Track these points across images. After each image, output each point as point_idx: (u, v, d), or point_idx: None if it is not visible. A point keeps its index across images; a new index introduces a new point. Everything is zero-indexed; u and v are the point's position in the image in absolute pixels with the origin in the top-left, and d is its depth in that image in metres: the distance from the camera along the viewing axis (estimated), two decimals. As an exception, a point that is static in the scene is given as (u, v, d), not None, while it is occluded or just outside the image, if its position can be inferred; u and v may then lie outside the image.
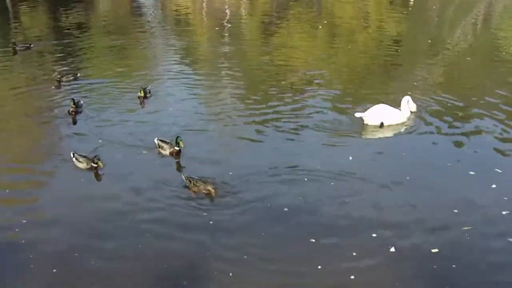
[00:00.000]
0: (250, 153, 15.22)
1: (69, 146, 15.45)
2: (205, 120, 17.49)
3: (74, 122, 17.26)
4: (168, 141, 14.89)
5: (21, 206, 12.61)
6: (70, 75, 21.23)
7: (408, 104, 17.14)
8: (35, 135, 16.86)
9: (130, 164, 14.47)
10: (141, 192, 13.04)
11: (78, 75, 21.40)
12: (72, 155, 14.30)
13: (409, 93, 18.08)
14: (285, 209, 12.34)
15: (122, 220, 12.04)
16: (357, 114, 16.83)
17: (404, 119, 17.11)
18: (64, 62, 23.99)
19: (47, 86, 20.57)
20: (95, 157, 13.93)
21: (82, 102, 18.32)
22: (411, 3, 42.60)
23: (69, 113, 17.56)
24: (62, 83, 20.57)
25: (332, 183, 13.40)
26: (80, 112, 17.73)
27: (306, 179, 13.56)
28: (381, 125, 16.73)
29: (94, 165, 13.91)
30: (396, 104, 17.24)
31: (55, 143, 16.22)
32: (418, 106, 17.71)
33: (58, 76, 20.87)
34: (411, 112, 17.28)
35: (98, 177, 13.91)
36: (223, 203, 12.56)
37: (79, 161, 14.11)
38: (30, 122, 17.62)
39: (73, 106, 17.56)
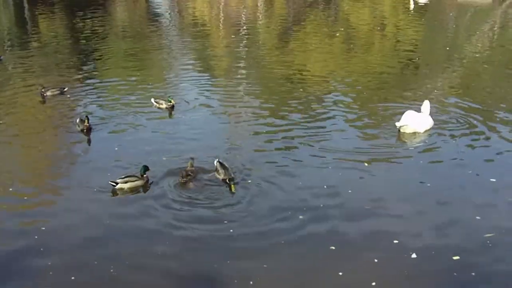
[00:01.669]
0: (272, 159, 15.06)
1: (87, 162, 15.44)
2: (230, 138, 16.80)
3: (89, 141, 16.67)
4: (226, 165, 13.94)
5: (40, 214, 12.60)
6: (56, 89, 20.23)
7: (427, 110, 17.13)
8: (48, 147, 16.72)
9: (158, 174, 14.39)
10: (164, 206, 13.00)
11: (65, 89, 20.45)
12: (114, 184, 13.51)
13: (430, 98, 18.04)
14: (301, 216, 12.27)
15: (142, 229, 11.97)
16: (397, 124, 16.69)
17: (431, 125, 17.09)
18: (81, 68, 24.19)
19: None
20: (141, 169, 13.71)
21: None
22: (412, 6, 42.55)
23: (82, 131, 16.85)
24: (47, 97, 19.88)
25: (350, 191, 13.35)
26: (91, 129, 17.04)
27: (324, 186, 13.52)
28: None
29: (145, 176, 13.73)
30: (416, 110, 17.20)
31: (69, 154, 16.21)
32: (437, 112, 17.64)
33: (42, 89, 20.06)
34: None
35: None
36: (242, 210, 12.55)
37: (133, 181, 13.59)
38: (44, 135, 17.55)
39: (87, 124, 16.82)
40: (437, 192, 13.31)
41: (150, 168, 13.80)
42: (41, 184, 14.06)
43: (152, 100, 19.01)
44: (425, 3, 44.26)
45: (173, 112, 18.55)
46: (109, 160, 14.99)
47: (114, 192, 13.34)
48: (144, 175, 13.66)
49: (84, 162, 15.19)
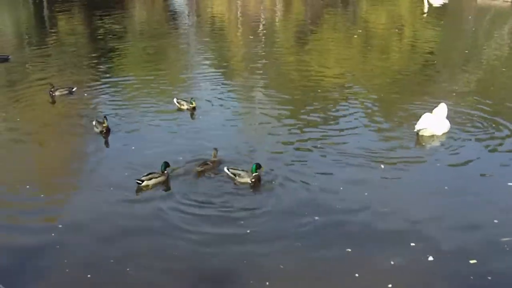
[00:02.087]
0: (290, 160, 15.03)
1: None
2: (249, 139, 16.80)
3: (106, 141, 16.63)
4: (246, 169, 14.01)
5: (56, 211, 12.75)
6: (64, 89, 20.23)
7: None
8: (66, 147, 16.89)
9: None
10: (182, 205, 13.08)
11: (74, 89, 20.43)
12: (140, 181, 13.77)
13: (448, 100, 17.98)
14: (316, 217, 12.28)
15: (158, 227, 12.03)
16: (416, 127, 16.65)
17: (449, 127, 17.08)
18: (98, 67, 24.43)
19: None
20: (162, 165, 13.94)
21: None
22: (426, 8, 42.36)
23: (101, 133, 16.81)
24: (55, 97, 19.92)
25: (366, 193, 13.34)
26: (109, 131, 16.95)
27: (341, 188, 13.53)
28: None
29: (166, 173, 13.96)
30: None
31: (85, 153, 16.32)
32: (455, 115, 17.59)
33: (52, 89, 20.02)
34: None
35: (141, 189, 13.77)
36: (259, 211, 12.61)
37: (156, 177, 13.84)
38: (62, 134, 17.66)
39: (106, 125, 16.75)
40: (455, 195, 13.29)
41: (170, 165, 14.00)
42: (58, 182, 14.23)
43: (175, 100, 18.97)
44: (440, 5, 43.99)
45: (194, 114, 18.50)
46: (125, 160, 15.09)
47: (140, 190, 13.54)
48: (165, 171, 13.89)
49: (100, 161, 15.31)
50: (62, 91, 20.08)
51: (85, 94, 20.59)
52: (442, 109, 16.99)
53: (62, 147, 16.51)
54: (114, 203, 12.99)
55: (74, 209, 12.81)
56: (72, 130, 17.66)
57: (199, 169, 14.22)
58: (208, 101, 19.58)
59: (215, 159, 14.59)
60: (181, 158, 15.02)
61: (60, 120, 18.43)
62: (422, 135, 16.71)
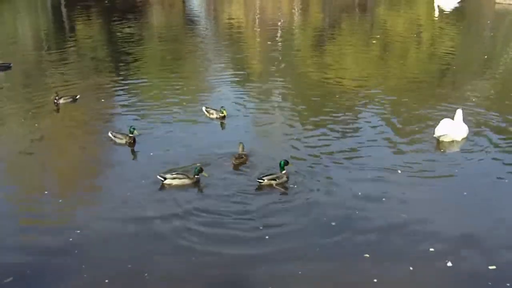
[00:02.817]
0: (308, 169, 14.92)
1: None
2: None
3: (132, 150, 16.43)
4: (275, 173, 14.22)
5: (75, 216, 12.75)
6: (68, 97, 20.03)
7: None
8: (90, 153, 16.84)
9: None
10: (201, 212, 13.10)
11: (78, 97, 20.22)
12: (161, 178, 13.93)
13: (466, 105, 17.93)
14: (333, 223, 12.30)
15: (178, 238, 11.94)
16: (436, 133, 16.65)
17: (467, 133, 17.02)
18: (118, 72, 24.45)
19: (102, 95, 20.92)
20: (196, 168, 13.98)
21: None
22: (437, 12, 42.24)
23: (127, 144, 16.54)
24: (60, 105, 19.71)
25: (384, 199, 13.33)
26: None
27: (359, 193, 13.52)
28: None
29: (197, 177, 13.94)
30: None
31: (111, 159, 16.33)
32: (474, 120, 17.54)
33: (56, 97, 19.80)
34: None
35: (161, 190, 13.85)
36: (277, 216, 12.64)
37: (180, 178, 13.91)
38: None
39: (131, 135, 16.50)
40: (475, 201, 13.27)
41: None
42: (76, 188, 14.27)
43: (203, 108, 18.75)
44: (450, 10, 43.85)
45: (224, 123, 18.26)
46: (145, 167, 14.99)
47: (162, 186, 13.75)
48: (197, 176, 13.87)
49: (120, 168, 15.27)
50: (66, 99, 19.92)
51: (102, 100, 20.62)
52: (458, 114, 16.95)
53: (80, 153, 16.54)
54: (131, 209, 12.95)
55: (92, 215, 12.79)
56: (91, 136, 17.74)
57: (236, 162, 14.85)
58: (226, 108, 19.15)
59: (244, 152, 15.14)
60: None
61: (80, 125, 18.46)
62: (443, 141, 16.68)
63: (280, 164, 14.16)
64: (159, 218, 12.55)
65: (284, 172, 14.12)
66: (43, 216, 12.75)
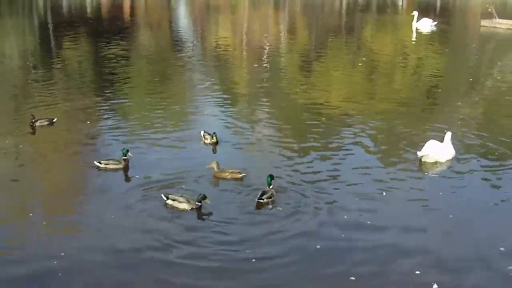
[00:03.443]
0: (295, 190, 14.85)
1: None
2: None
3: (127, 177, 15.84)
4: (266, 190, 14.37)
5: (59, 239, 12.45)
6: (44, 120, 19.49)
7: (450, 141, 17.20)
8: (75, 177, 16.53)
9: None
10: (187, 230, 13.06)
11: (55, 120, 19.62)
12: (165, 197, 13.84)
13: (452, 128, 17.99)
14: (318, 246, 12.20)
15: (161, 270, 11.71)
16: (419, 153, 16.72)
17: (454, 154, 17.13)
18: (104, 94, 24.19)
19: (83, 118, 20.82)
20: (199, 195, 13.64)
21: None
22: (414, 35, 42.78)
23: (123, 169, 15.98)
24: (36, 128, 19.25)
25: (369, 222, 13.23)
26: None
27: (345, 216, 13.45)
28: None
29: (198, 204, 13.65)
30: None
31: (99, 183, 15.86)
32: (459, 142, 17.59)
33: (32, 120, 19.36)
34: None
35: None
36: (260, 239, 12.52)
37: (179, 201, 13.70)
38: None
39: (125, 157, 16.02)
40: (460, 223, 13.27)
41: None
42: (61, 210, 13.91)
43: (202, 132, 18.28)
44: (428, 32, 44.37)
45: (216, 148, 17.87)
46: (130, 191, 14.67)
47: (165, 205, 13.61)
48: (198, 203, 13.60)
49: (104, 191, 14.83)
50: (42, 122, 19.46)
51: (84, 123, 20.25)
52: (447, 136, 17.04)
53: (66, 174, 16.34)
54: (116, 232, 12.69)
55: (75, 239, 12.52)
56: (74, 157, 17.43)
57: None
58: (211, 132, 18.57)
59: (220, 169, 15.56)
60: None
61: (66, 147, 18.17)
62: (425, 162, 16.75)
63: (267, 180, 14.34)
64: (145, 247, 12.16)
65: (271, 187, 14.31)
66: (24, 242, 12.44)
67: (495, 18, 47.03)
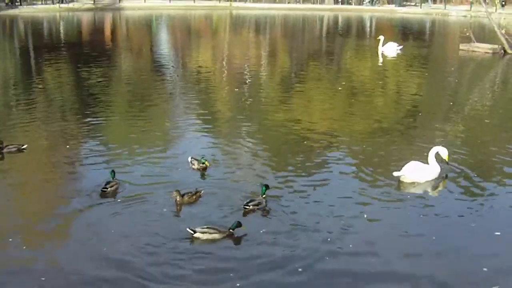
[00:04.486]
0: (274, 214, 14.79)
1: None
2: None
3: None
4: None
5: (35, 269, 12.09)
6: (13, 146, 18.97)
7: (435, 156, 17.45)
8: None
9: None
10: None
11: (24, 146, 19.09)
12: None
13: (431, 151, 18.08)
14: (300, 269, 12.14)
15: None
16: (395, 173, 16.88)
17: (435, 176, 17.29)
18: (82, 121, 23.83)
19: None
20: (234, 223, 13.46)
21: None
22: (381, 59, 43.33)
23: (104, 190, 15.58)
24: (4, 153, 18.78)
25: (351, 245, 13.20)
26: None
27: (328, 239, 13.40)
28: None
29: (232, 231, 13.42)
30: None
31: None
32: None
33: (0, 146, 18.88)
34: (447, 162, 17.60)
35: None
36: (241, 263, 12.46)
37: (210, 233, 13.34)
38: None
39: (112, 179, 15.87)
40: (441, 245, 13.28)
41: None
42: (41, 237, 13.55)
43: (189, 159, 17.90)
44: (394, 57, 44.95)
45: (205, 174, 17.56)
46: (107, 220, 14.35)
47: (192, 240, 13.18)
48: (232, 230, 13.38)
49: (87, 220, 14.34)
50: (10, 148, 18.94)
51: (67, 146, 20.11)
52: (430, 157, 17.27)
53: (48, 200, 16.03)
54: (92, 264, 12.38)
55: (53, 267, 12.21)
56: (60, 180, 17.36)
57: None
58: (191, 157, 18.29)
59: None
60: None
61: (52, 170, 18.02)
62: (403, 182, 16.92)
63: (262, 189, 14.97)
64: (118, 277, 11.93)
65: (263, 196, 14.85)
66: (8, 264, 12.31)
67: (473, 42, 47.63)
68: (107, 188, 15.64)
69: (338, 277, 11.99)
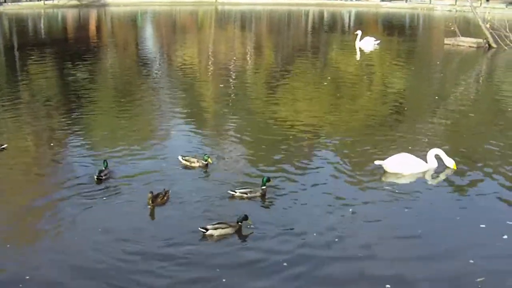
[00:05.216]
0: (260, 209, 14.91)
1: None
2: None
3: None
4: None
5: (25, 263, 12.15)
6: None
7: (435, 158, 17.68)
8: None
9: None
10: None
11: (4, 146, 18.81)
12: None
13: (417, 144, 18.15)
14: (285, 264, 12.16)
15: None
16: (377, 162, 17.17)
17: (422, 170, 17.42)
18: (71, 116, 23.82)
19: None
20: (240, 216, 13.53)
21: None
22: (358, 54, 43.50)
23: (99, 178, 16.01)
24: None
25: (337, 239, 13.23)
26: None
27: (314, 234, 13.40)
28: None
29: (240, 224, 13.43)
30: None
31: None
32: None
33: None
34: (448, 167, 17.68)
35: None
36: (225, 260, 12.48)
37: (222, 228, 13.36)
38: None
39: (104, 168, 16.32)
40: (427, 238, 13.38)
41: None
42: (23, 242, 13.21)
43: (180, 158, 17.79)
44: (370, 51, 45.13)
45: (207, 171, 17.41)
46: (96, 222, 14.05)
47: (204, 238, 13.10)
48: (240, 223, 13.41)
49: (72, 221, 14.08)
50: None
51: (51, 144, 19.91)
52: (430, 153, 17.71)
53: (30, 203, 15.44)
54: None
55: (41, 261, 12.22)
56: (48, 178, 17.23)
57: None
58: (175, 153, 18.52)
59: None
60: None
61: (38, 171, 17.74)
62: (388, 174, 17.16)
63: (262, 180, 15.26)
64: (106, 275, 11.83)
65: (264, 187, 15.18)
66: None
67: (458, 36, 47.81)
68: (101, 176, 16.10)
69: (322, 266, 12.06)
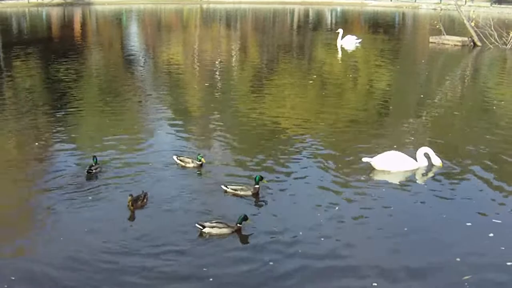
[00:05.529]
0: (248, 207, 14.87)
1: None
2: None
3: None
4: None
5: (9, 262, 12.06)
6: None
7: (424, 156, 17.71)
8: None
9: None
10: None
11: None
12: None
13: (403, 142, 18.18)
14: (271, 263, 12.11)
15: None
16: (364, 159, 17.25)
17: (410, 168, 17.50)
18: (53, 117, 23.52)
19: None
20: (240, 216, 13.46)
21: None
22: (340, 52, 43.63)
23: (88, 172, 16.31)
24: None
25: (323, 239, 13.18)
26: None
27: (301, 233, 13.36)
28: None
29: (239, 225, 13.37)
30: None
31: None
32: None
33: None
34: (435, 166, 17.71)
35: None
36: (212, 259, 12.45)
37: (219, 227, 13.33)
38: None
39: (94, 163, 16.56)
40: (413, 236, 13.40)
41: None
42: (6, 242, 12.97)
43: (174, 158, 17.75)
44: (352, 50, 45.26)
45: (201, 171, 17.35)
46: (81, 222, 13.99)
47: (201, 235, 13.09)
48: (239, 224, 13.30)
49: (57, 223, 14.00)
50: None
51: (36, 143, 19.77)
52: (419, 151, 17.75)
53: (18, 201, 15.56)
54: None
55: (27, 261, 12.15)
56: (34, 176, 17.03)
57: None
58: (163, 152, 18.80)
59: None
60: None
61: (22, 170, 17.59)
62: (375, 171, 17.23)
63: (255, 178, 15.24)
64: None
65: (257, 186, 15.16)
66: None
67: (443, 34, 47.98)
68: (92, 170, 16.48)
69: (309, 266, 12.00)
